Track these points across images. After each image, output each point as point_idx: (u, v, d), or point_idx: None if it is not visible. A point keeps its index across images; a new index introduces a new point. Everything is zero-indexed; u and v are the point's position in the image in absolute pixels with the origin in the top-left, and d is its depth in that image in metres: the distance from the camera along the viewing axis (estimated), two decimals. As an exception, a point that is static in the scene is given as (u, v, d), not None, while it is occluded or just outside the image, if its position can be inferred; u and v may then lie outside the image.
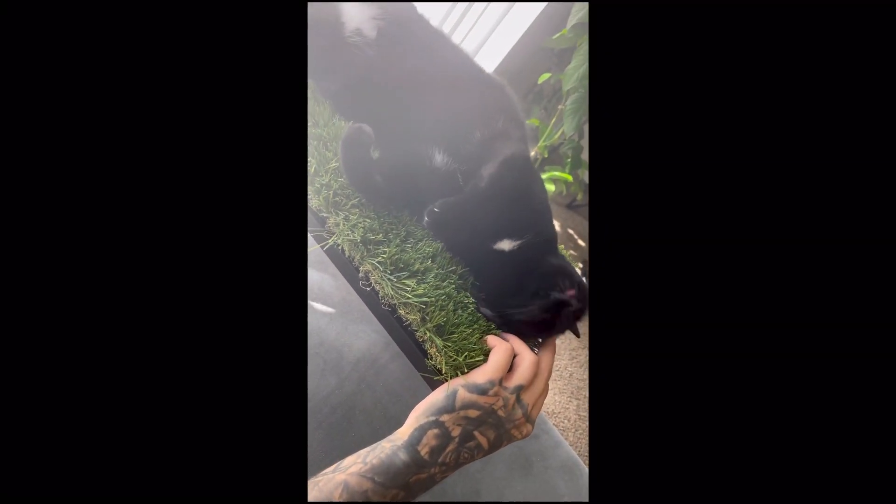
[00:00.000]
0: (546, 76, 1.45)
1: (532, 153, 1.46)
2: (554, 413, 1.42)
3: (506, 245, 0.49)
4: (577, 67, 1.13)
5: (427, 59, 0.54)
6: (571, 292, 0.45)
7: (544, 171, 1.42)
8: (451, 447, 0.40)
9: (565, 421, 1.42)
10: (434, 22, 0.56)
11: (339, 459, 0.41)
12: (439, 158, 0.50)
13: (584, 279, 0.48)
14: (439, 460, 0.39)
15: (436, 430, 0.40)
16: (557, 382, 1.48)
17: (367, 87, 0.52)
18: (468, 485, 0.71)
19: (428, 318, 0.45)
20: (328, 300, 0.76)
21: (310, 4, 0.55)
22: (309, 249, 0.51)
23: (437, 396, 0.42)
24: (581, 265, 1.82)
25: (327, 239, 0.46)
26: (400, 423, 0.44)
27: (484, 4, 1.37)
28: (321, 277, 0.78)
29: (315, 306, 0.73)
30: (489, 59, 1.48)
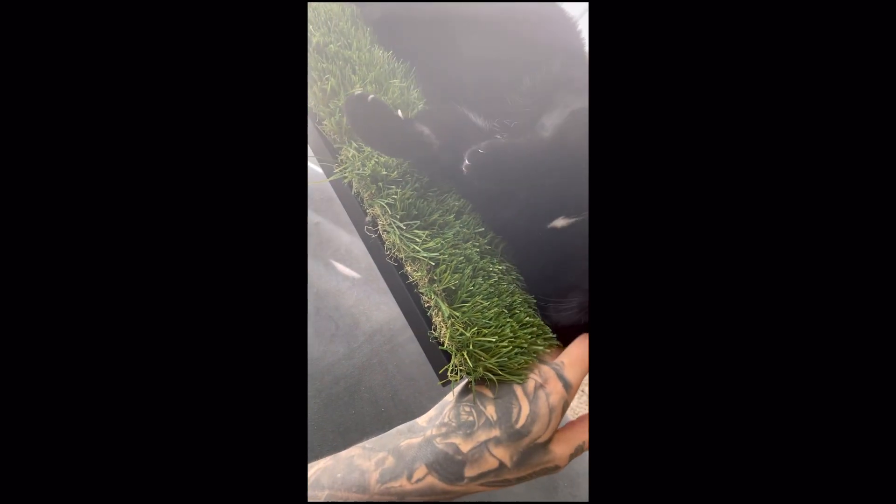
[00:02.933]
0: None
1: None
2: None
3: (559, 222, 0.39)
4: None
5: None
6: None
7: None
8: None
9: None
10: None
11: (332, 433, 0.35)
12: (481, 123, 0.41)
13: None
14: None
15: None
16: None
17: (408, 13, 0.45)
18: (484, 497, 0.62)
19: (437, 278, 0.36)
20: (355, 264, 0.71)
21: None
22: (312, 184, 0.45)
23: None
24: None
25: (335, 171, 0.39)
26: (409, 409, 0.37)
27: None
28: (351, 240, 0.73)
29: (338, 267, 0.68)
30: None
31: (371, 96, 0.35)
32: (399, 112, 0.37)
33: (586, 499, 0.72)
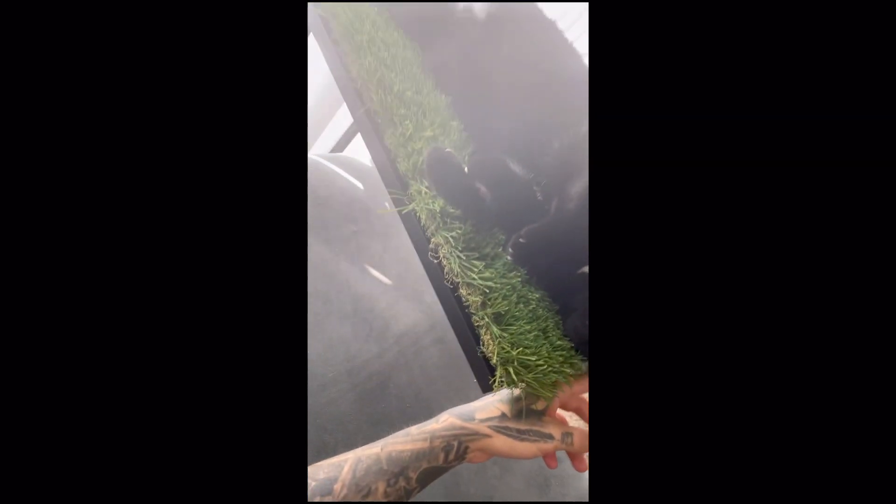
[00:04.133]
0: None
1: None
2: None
3: (585, 269, 0.46)
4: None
5: (528, 49, 0.52)
6: None
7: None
8: None
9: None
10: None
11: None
12: (518, 170, 0.47)
13: None
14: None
15: None
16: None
17: (464, 69, 0.52)
18: (481, 488, 0.69)
19: (489, 303, 0.43)
20: (387, 271, 0.77)
21: None
22: (387, 212, 0.52)
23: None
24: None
25: (406, 204, 0.46)
26: (430, 407, 0.44)
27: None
28: (384, 248, 0.79)
29: (372, 272, 0.74)
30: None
31: (447, 150, 0.42)
32: (465, 168, 0.44)
33: (575, 497, 0.80)
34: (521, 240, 0.42)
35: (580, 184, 0.43)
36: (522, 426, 0.42)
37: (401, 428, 0.45)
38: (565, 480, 0.81)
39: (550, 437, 0.42)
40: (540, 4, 0.58)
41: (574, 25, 1.32)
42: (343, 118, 1.16)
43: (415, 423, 0.45)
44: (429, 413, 0.47)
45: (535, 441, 0.42)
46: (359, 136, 0.48)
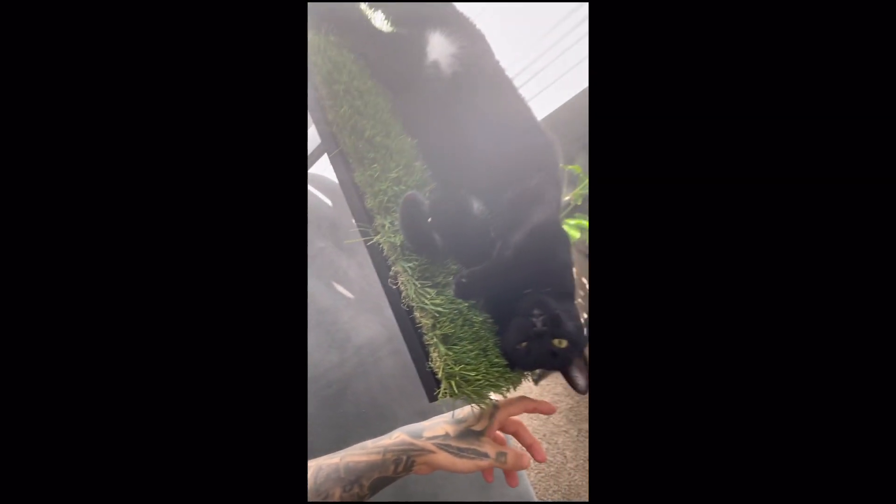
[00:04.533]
0: (599, 131, 1.51)
1: (567, 198, 1.52)
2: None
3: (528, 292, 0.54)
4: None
5: (487, 107, 0.59)
6: (538, 318, 0.49)
7: (574, 217, 1.47)
8: None
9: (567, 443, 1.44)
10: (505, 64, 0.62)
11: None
12: (477, 207, 0.54)
13: (570, 314, 0.51)
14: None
15: None
16: (533, 422, 1.52)
17: (429, 117, 0.59)
18: (428, 487, 0.76)
19: (438, 326, 0.51)
20: (350, 285, 0.83)
21: (402, 25, 0.62)
22: (354, 241, 0.58)
23: None
24: (587, 315, 1.85)
25: (371, 236, 0.53)
26: (385, 414, 0.51)
27: (558, 50, 1.44)
28: (348, 264, 0.85)
29: (337, 287, 0.80)
30: (551, 101, 1.55)
31: (417, 196, 0.49)
32: (430, 219, 0.51)
33: (515, 496, 0.88)
34: (462, 280, 0.50)
35: (519, 234, 0.50)
36: (462, 444, 0.50)
37: (357, 431, 0.52)
38: (506, 481, 0.89)
39: (486, 455, 0.50)
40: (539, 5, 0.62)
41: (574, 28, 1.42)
42: (312, 137, 1.21)
43: (369, 427, 0.52)
44: (383, 418, 0.53)
45: (472, 458, 0.50)
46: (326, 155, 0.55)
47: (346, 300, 0.80)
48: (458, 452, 0.50)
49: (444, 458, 0.49)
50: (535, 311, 0.49)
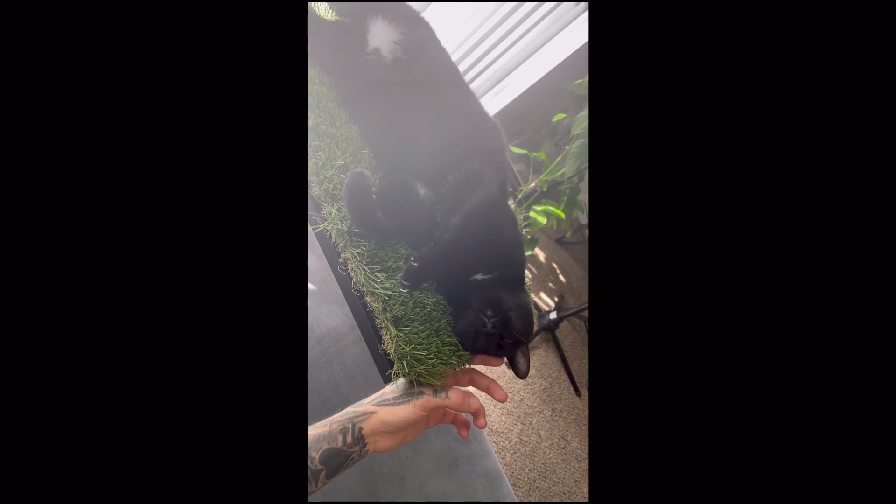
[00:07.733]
0: (561, 116, 1.54)
1: (532, 184, 1.55)
2: (497, 432, 1.48)
3: (479, 276, 0.56)
4: (587, 116, 1.22)
5: (429, 93, 0.60)
6: (490, 319, 0.51)
7: (540, 204, 1.50)
8: None
9: (505, 441, 1.48)
10: (465, 44, 0.62)
11: None
12: (423, 192, 0.55)
13: (521, 312, 0.52)
14: None
15: None
16: (507, 405, 1.55)
17: (372, 104, 0.59)
18: (395, 468, 0.78)
19: (388, 308, 0.52)
20: (311, 278, 0.83)
21: (342, 14, 0.62)
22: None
23: None
24: (556, 298, 1.90)
25: (320, 224, 0.53)
26: (348, 400, 0.52)
27: (517, 36, 1.45)
28: (309, 257, 0.85)
29: (297, 279, 0.80)
30: (514, 89, 1.56)
31: (363, 173, 0.50)
32: (374, 195, 0.52)
33: (482, 473, 0.91)
34: (413, 263, 0.51)
35: (457, 216, 0.52)
36: (398, 394, 0.51)
37: (320, 420, 0.53)
38: (473, 459, 0.91)
39: (422, 393, 0.51)
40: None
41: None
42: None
43: (334, 413, 0.53)
44: (345, 405, 0.54)
45: (409, 401, 0.50)
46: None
47: (309, 291, 0.81)
48: (395, 402, 0.50)
49: (384, 412, 0.49)
50: (489, 313, 0.51)
